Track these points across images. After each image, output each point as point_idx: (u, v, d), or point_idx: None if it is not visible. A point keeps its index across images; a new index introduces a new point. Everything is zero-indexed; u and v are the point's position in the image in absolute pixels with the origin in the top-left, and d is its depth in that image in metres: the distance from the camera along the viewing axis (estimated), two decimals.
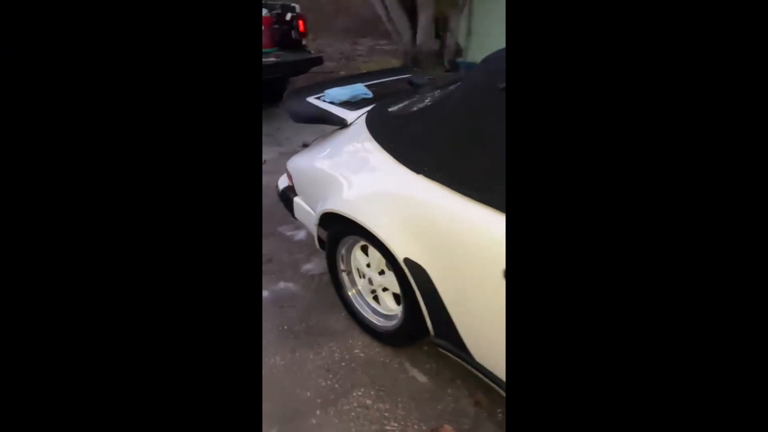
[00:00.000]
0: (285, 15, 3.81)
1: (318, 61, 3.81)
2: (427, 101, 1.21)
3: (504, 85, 0.91)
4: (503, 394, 1.04)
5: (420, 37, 4.29)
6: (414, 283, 1.11)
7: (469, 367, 1.13)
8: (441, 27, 4.33)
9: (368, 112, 1.44)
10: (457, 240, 0.99)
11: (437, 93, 1.22)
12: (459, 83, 1.18)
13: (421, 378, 1.33)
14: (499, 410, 1.21)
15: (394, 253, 1.12)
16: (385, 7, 4.31)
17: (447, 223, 1.01)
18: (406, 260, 1.11)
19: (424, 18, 4.12)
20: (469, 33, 4.48)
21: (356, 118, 1.47)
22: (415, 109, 1.24)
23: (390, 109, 1.33)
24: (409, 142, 1.17)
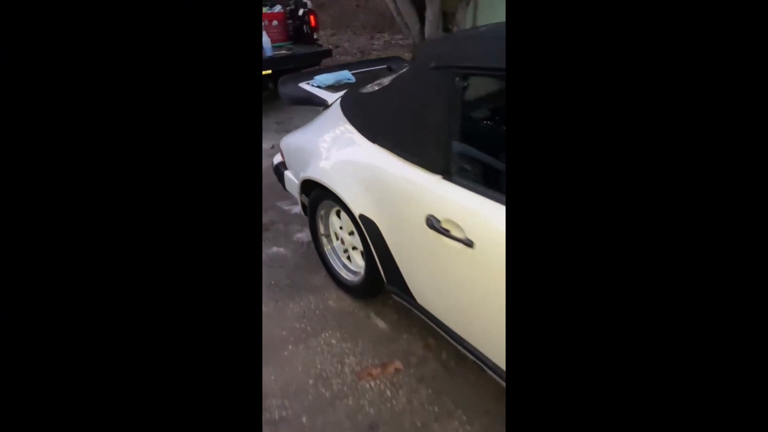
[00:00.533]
0: (297, 11, 4.05)
1: (328, 53, 4.02)
2: (386, 82, 1.39)
3: (434, 63, 1.09)
4: (444, 335, 1.21)
5: (428, 30, 4.42)
6: (367, 235, 1.31)
7: (415, 311, 1.32)
8: (449, 20, 4.45)
9: (344, 94, 1.63)
10: (397, 195, 1.18)
11: (396, 75, 1.40)
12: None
13: (382, 325, 1.52)
14: (444, 352, 1.39)
15: (352, 210, 1.32)
16: (395, 2, 4.47)
17: (391, 182, 1.20)
18: (361, 216, 1.30)
19: (431, 11, 4.25)
20: (474, 25, 4.58)
21: (335, 99, 1.67)
22: (377, 89, 1.42)
23: (360, 91, 1.52)
24: (369, 117, 1.36)
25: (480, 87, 1.19)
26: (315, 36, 4.11)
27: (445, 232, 1.01)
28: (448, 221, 1.01)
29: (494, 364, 1.03)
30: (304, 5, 4.02)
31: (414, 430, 1.16)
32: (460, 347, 1.15)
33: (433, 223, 1.03)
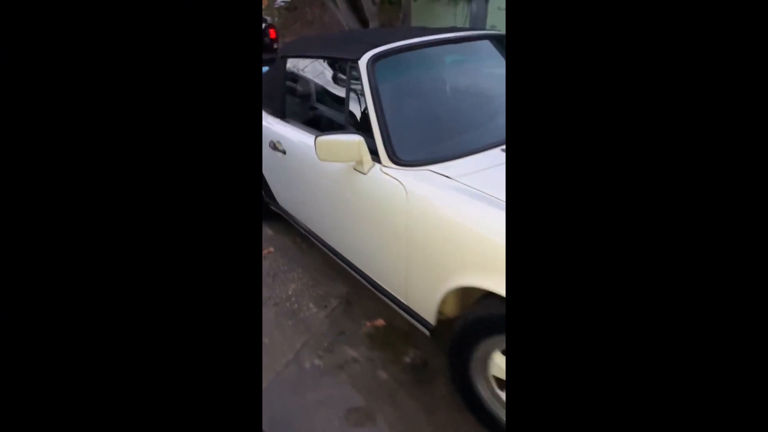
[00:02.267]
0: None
1: None
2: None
3: (281, 54, 1.83)
4: (294, 225, 1.92)
5: None
6: None
7: (281, 213, 2.04)
8: None
9: None
10: (263, 133, 1.92)
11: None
12: None
13: (270, 232, 2.25)
14: (304, 244, 2.11)
15: None
16: (343, 20, 5.29)
17: (265, 128, 1.94)
18: None
19: (372, 26, 5.08)
20: None
21: None
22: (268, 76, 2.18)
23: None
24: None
25: (306, 67, 1.94)
26: (275, 46, 4.91)
27: (276, 148, 1.74)
28: (277, 142, 1.74)
29: (318, 236, 1.74)
30: (265, 21, 4.83)
31: (268, 278, 1.88)
32: (307, 234, 1.87)
33: (270, 145, 1.77)
